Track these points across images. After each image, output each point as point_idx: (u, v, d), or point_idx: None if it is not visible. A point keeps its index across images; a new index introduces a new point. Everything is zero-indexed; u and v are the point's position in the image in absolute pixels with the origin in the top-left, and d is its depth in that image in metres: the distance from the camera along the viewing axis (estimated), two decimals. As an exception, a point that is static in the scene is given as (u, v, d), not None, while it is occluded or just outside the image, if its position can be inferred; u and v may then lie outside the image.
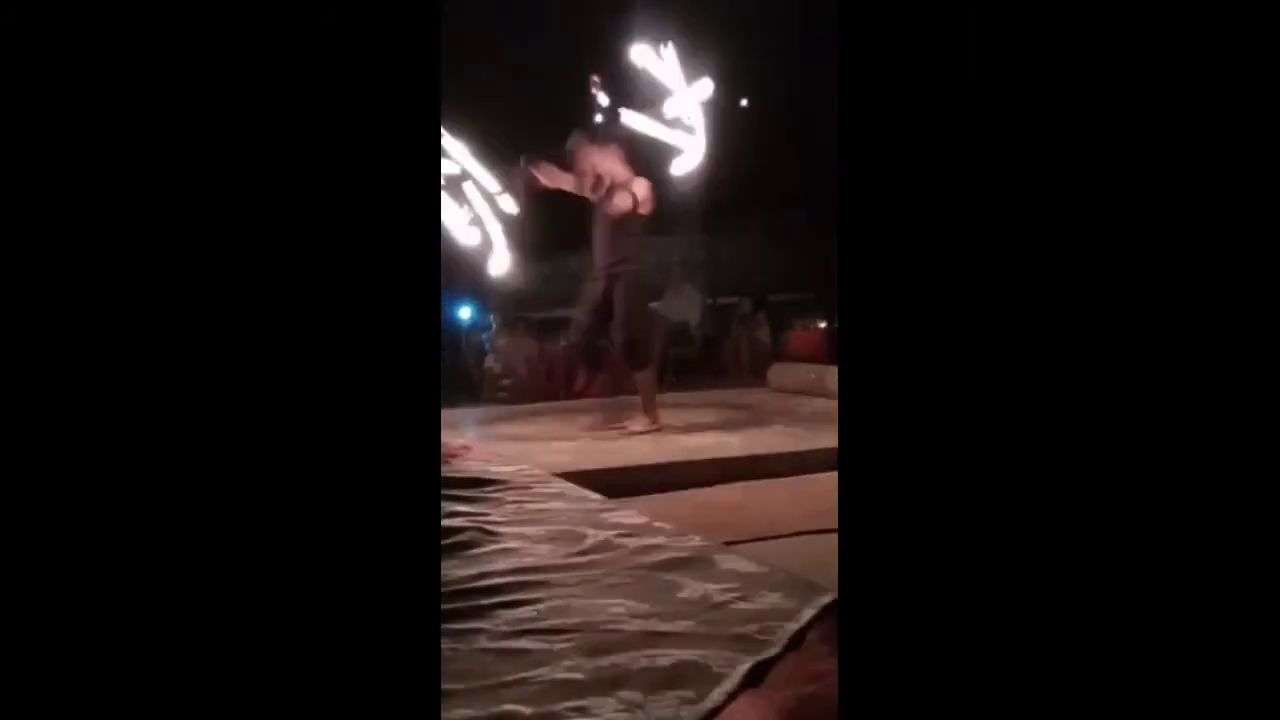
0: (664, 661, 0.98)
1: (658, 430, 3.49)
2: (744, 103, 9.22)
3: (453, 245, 3.81)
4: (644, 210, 3.55)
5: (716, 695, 0.88)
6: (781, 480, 2.62)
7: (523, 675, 0.97)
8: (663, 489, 2.50)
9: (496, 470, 2.37)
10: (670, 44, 3.29)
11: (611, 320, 3.58)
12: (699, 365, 7.09)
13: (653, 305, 7.53)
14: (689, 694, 0.89)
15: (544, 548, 1.55)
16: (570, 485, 2.19)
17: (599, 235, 3.62)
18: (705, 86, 3.43)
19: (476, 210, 3.75)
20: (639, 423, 3.56)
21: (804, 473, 2.65)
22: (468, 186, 3.71)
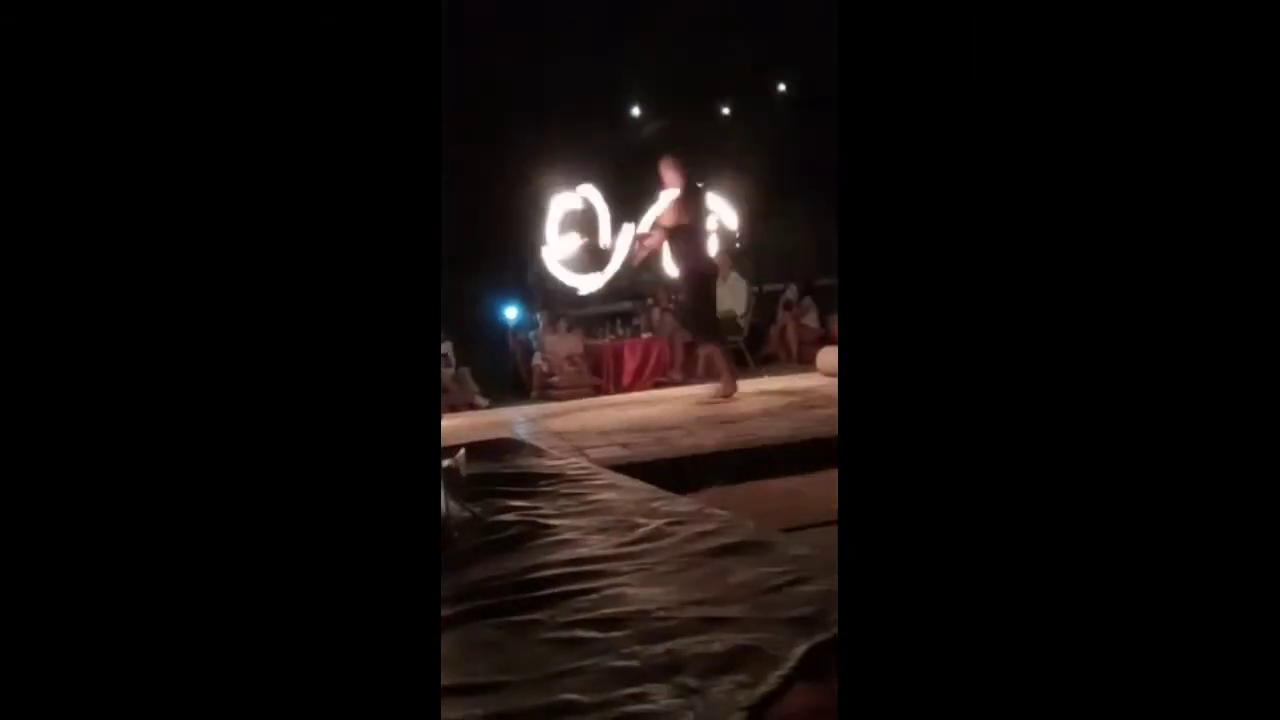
0: (719, 647, 0.97)
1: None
2: (781, 87, 9.14)
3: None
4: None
5: (773, 679, 0.87)
6: (835, 469, 2.59)
7: (579, 664, 0.97)
8: (716, 478, 2.49)
9: (548, 464, 2.39)
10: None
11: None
12: (748, 352, 7.06)
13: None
14: (745, 678, 0.88)
15: (597, 538, 1.55)
16: (621, 477, 2.19)
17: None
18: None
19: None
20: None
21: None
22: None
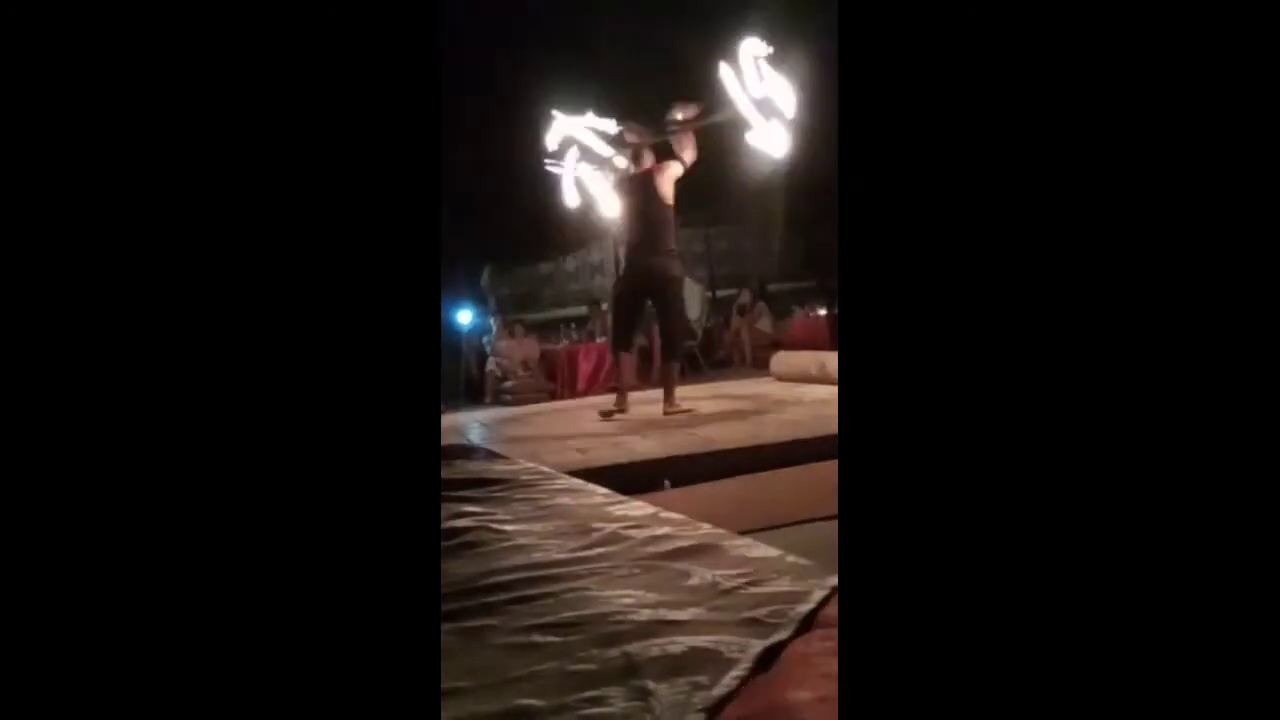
0: (675, 649, 0.97)
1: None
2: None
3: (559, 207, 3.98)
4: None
5: (729, 680, 0.87)
6: (789, 470, 2.61)
7: (534, 669, 0.97)
8: (673, 482, 2.50)
9: (502, 469, 2.37)
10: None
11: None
12: (702, 357, 7.10)
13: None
14: (701, 679, 0.88)
15: (552, 543, 1.54)
16: (576, 481, 2.18)
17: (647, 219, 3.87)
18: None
19: (577, 173, 3.98)
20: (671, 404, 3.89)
21: (812, 460, 2.64)
22: (570, 152, 3.93)
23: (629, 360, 4.12)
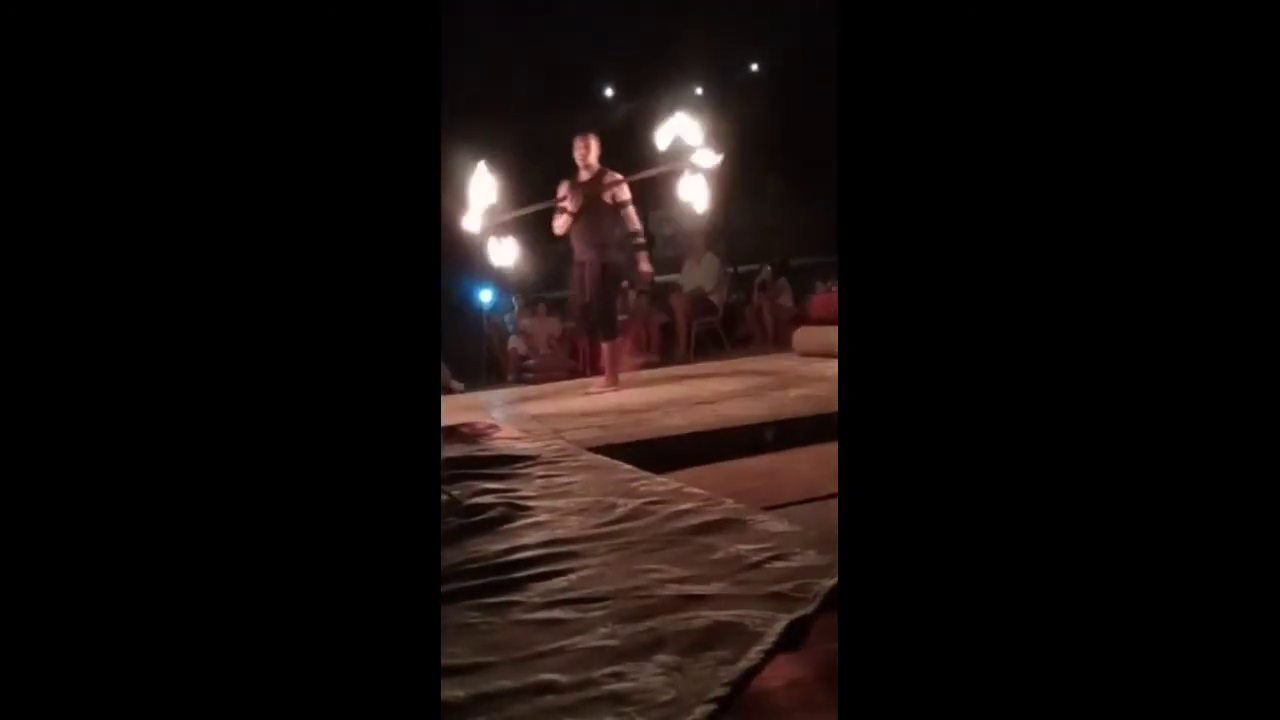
0: (700, 623, 0.97)
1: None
2: (754, 67, 9.13)
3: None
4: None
5: (754, 654, 0.87)
6: (812, 447, 2.60)
7: (559, 644, 0.97)
8: (694, 459, 2.49)
9: (525, 446, 2.38)
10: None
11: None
12: (724, 333, 7.08)
13: (673, 276, 7.53)
14: (726, 654, 0.88)
15: (575, 519, 1.55)
16: (599, 457, 2.18)
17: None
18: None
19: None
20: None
21: (834, 436, 2.63)
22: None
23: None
